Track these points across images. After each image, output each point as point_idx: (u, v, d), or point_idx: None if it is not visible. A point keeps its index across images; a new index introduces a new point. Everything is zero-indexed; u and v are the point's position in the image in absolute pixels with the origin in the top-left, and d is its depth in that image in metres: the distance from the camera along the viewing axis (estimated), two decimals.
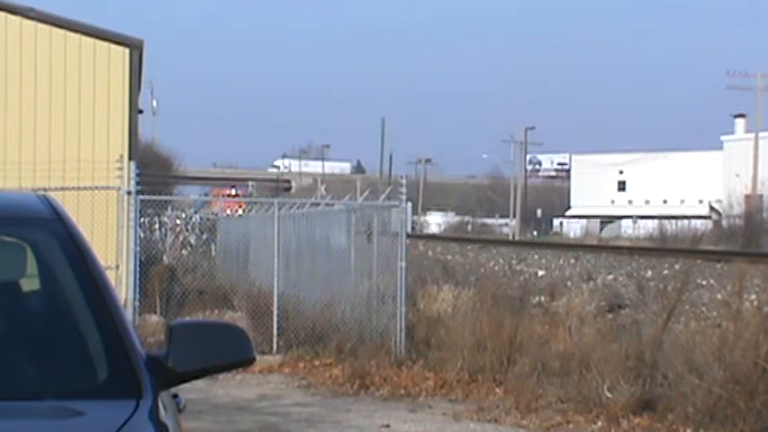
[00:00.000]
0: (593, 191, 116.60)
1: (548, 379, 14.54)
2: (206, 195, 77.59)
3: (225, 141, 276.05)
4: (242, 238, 28.92)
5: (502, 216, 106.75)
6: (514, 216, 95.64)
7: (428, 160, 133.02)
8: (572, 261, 33.54)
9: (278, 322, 18.38)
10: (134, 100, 23.68)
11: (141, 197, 18.83)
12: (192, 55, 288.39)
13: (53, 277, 4.38)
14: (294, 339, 18.09)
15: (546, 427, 12.90)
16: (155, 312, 19.96)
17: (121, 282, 18.27)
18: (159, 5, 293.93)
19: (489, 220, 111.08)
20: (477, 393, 14.83)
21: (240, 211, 37.65)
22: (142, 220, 23.25)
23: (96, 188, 19.75)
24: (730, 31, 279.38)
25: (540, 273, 30.95)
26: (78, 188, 19.59)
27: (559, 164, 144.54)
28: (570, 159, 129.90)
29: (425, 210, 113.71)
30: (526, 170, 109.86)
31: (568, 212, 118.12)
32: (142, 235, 21.50)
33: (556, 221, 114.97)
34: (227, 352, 4.23)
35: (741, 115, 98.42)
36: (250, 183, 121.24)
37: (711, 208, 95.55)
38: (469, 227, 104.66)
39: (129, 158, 20.77)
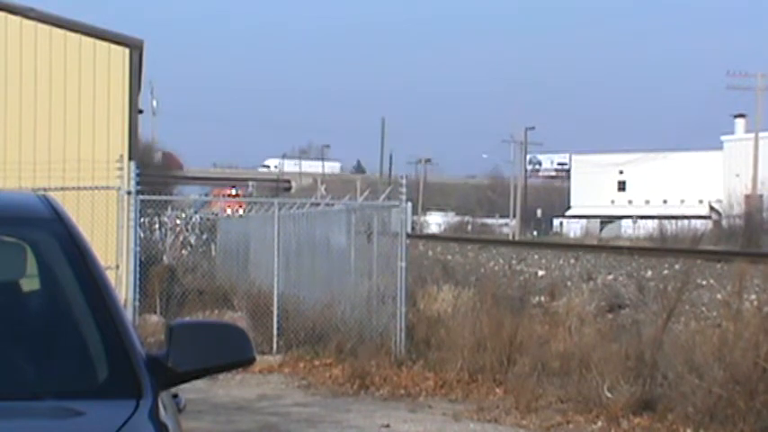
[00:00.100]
0: (593, 191, 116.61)
1: (548, 379, 14.54)
2: (206, 195, 77.61)
3: (225, 141, 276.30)
4: (242, 238, 28.92)
5: (502, 216, 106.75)
6: (514, 216, 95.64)
7: (428, 160, 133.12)
8: (572, 261, 33.54)
9: (278, 322, 18.38)
10: (134, 100, 23.68)
11: (141, 197, 18.83)
12: (192, 55, 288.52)
13: (53, 277, 4.38)
14: (294, 339, 18.09)
15: (546, 427, 12.90)
16: (155, 312, 19.96)
17: (121, 282, 18.27)
18: (159, 5, 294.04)
19: (489, 220, 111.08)
20: (477, 393, 14.83)
21: (241, 211, 37.67)
22: (142, 220, 23.26)
23: (96, 188, 19.75)
24: (730, 31, 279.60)
25: (540, 273, 30.95)
26: (78, 188, 19.59)
27: (559, 164, 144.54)
28: (570, 159, 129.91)
29: (425, 210, 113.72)
30: (526, 170, 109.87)
31: (568, 212, 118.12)
32: (142, 235, 21.50)
33: (556, 221, 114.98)
34: (227, 352, 4.23)
35: (741, 115, 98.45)
36: (250, 183, 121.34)
37: (711, 208, 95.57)
38: (469, 227, 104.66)
39: (129, 158, 20.77)
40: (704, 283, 23.63)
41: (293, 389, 15.75)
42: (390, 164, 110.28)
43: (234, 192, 78.28)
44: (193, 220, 34.63)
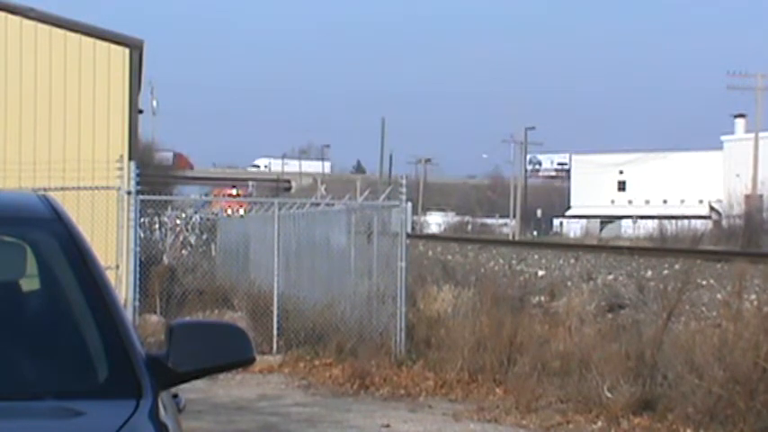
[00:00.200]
0: (593, 191, 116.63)
1: (548, 379, 14.53)
2: (206, 195, 77.59)
3: (225, 141, 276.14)
4: (242, 239, 28.91)
5: (502, 216, 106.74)
6: (514, 216, 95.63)
7: (428, 160, 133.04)
8: (572, 261, 33.55)
9: (278, 322, 18.38)
10: (134, 100, 23.68)
11: (141, 197, 18.83)
12: (192, 55, 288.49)
13: (53, 277, 4.38)
14: (294, 339, 18.09)
15: (546, 427, 12.90)
16: (155, 312, 19.95)
17: (121, 282, 18.26)
18: (159, 5, 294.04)
19: (489, 220, 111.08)
20: (477, 393, 14.83)
21: (242, 211, 37.67)
22: (142, 220, 23.25)
23: (96, 188, 19.75)
24: (730, 31, 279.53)
25: (540, 273, 30.96)
26: (78, 188, 19.58)
27: (559, 164, 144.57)
28: (570, 159, 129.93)
29: (425, 210, 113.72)
30: (526, 170, 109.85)
31: (568, 212, 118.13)
32: (142, 235, 21.49)
33: (556, 221, 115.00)
34: (227, 352, 4.23)
35: (741, 115, 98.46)
36: (250, 183, 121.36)
37: (711, 208, 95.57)
38: (469, 227, 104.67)
39: (129, 158, 20.77)
40: (704, 283, 23.63)
41: (293, 389, 15.75)
42: (390, 164, 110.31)
43: (234, 192, 78.32)
44: (193, 220, 34.62)
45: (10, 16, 23.29)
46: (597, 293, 23.37)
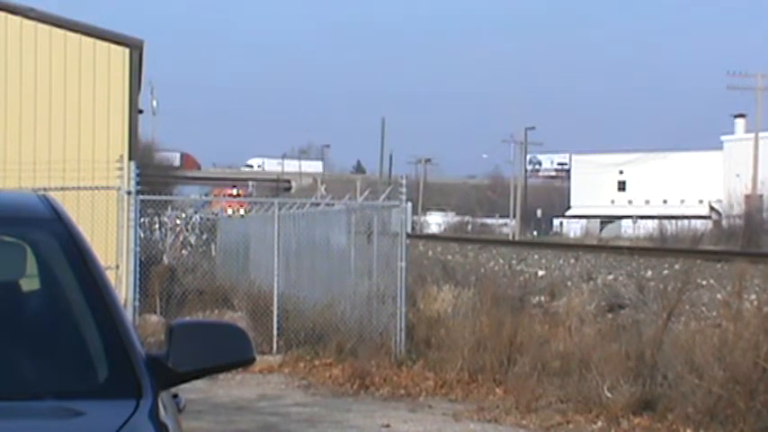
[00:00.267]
0: (593, 191, 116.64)
1: (548, 379, 14.53)
2: (207, 195, 77.62)
3: (225, 141, 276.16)
4: (242, 239, 28.92)
5: (502, 216, 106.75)
6: (514, 216, 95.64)
7: (428, 160, 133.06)
8: (572, 261, 33.55)
9: (278, 322, 18.38)
10: (134, 100, 23.68)
11: (141, 197, 18.83)
12: (192, 55, 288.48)
13: (53, 277, 4.38)
14: (294, 339, 18.09)
15: (546, 427, 12.90)
16: (155, 312, 19.95)
17: (121, 282, 18.27)
18: (159, 5, 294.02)
19: (489, 220, 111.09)
20: (477, 393, 14.83)
21: (242, 211, 37.67)
22: (142, 220, 23.25)
23: (96, 188, 19.75)
24: (730, 31, 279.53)
25: (540, 273, 30.96)
26: (78, 188, 19.58)
27: (559, 164, 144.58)
28: (570, 159, 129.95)
29: (425, 210, 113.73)
30: (526, 170, 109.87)
31: (568, 212, 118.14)
32: (142, 235, 21.49)
33: (556, 221, 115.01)
34: (227, 352, 4.23)
35: (741, 115, 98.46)
36: (250, 183, 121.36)
37: (711, 208, 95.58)
38: (469, 227, 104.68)
39: (129, 158, 20.77)
40: (704, 283, 23.63)
41: (293, 389, 15.75)
42: (390, 164, 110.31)
43: (236, 192, 78.33)
44: (193, 220, 34.62)
45: (10, 16, 23.29)
46: (597, 293, 23.37)
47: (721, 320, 15.20)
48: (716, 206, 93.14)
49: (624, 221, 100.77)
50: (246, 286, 22.91)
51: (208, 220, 35.60)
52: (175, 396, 4.63)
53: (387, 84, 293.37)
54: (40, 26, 23.33)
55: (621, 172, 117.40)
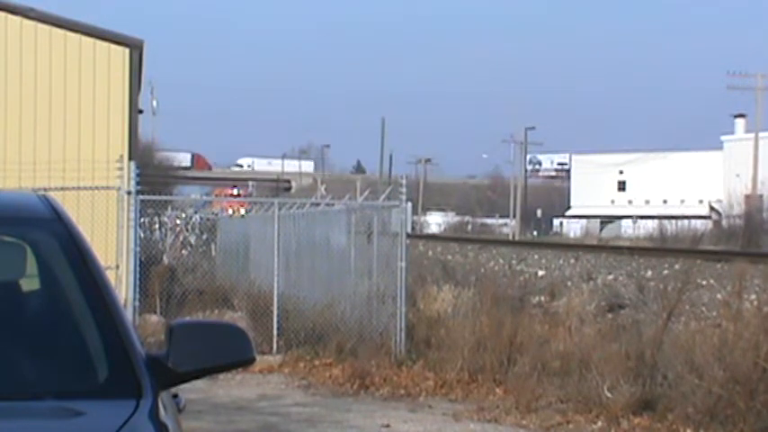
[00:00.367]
0: (593, 191, 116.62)
1: (548, 379, 14.53)
2: (207, 195, 77.61)
3: (225, 141, 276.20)
4: (242, 239, 28.91)
5: (502, 216, 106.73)
6: (514, 216, 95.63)
7: (428, 160, 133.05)
8: (572, 261, 33.55)
9: (278, 322, 18.38)
10: (134, 100, 23.68)
11: (141, 197, 18.83)
12: (192, 55, 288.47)
13: (53, 277, 4.38)
14: (294, 339, 18.09)
15: (546, 427, 12.90)
16: (155, 312, 19.95)
17: (121, 282, 18.26)
18: (159, 5, 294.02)
19: (489, 220, 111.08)
20: (477, 393, 14.82)
21: (243, 211, 37.66)
22: (142, 220, 23.25)
23: (96, 188, 19.75)
24: (730, 31, 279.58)
25: (540, 273, 30.96)
26: (78, 188, 19.58)
27: (559, 164, 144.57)
28: (570, 159, 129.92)
29: (425, 210, 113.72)
30: (526, 170, 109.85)
31: (568, 212, 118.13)
32: (142, 235, 21.49)
33: (556, 221, 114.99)
34: (227, 352, 4.23)
35: (741, 115, 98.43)
36: (250, 183, 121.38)
37: (711, 208, 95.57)
38: (469, 227, 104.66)
39: (129, 158, 20.77)
40: (704, 283, 23.63)
41: (293, 389, 15.75)
42: (390, 164, 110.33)
43: (236, 192, 78.37)
44: (193, 220, 34.62)
45: (10, 16, 23.29)
46: (597, 293, 23.37)
47: (721, 320, 15.20)
48: (716, 206, 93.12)
49: (624, 221, 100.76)
50: (246, 286, 22.91)
51: (208, 220, 35.60)
52: (175, 396, 4.63)
53: (387, 84, 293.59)
54: (40, 26, 23.33)
55: (621, 172, 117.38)
